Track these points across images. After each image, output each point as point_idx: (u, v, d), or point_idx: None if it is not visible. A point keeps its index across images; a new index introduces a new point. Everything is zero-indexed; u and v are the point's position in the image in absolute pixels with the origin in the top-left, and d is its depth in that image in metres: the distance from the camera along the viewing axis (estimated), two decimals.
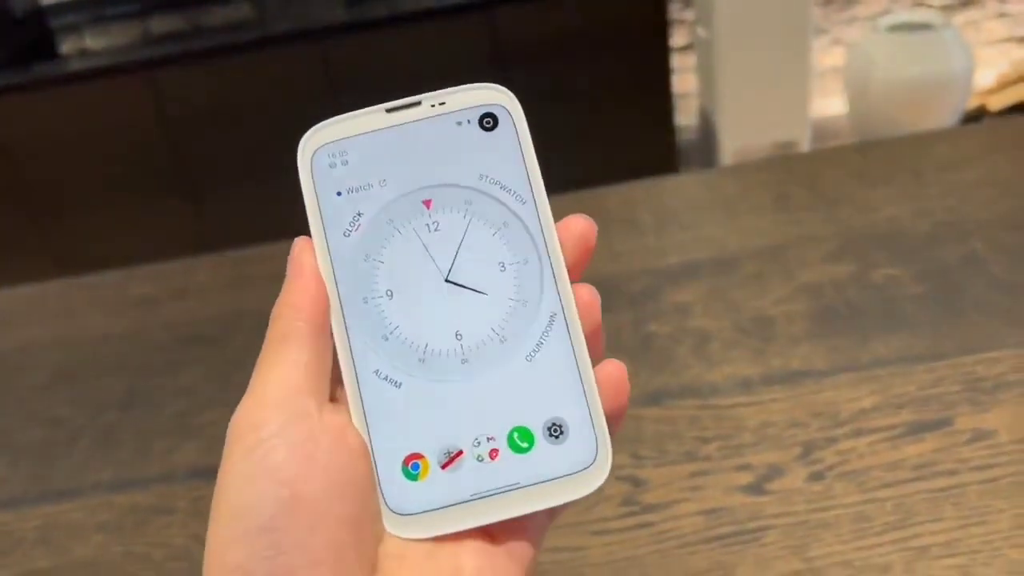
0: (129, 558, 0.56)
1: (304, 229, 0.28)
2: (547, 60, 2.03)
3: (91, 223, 2.11)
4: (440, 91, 0.28)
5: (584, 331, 0.26)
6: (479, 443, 0.25)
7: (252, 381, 0.26)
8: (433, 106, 0.28)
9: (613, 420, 0.26)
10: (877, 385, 0.58)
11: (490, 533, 0.25)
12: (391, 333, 0.26)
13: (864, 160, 0.84)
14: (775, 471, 0.53)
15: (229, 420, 0.25)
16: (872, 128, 2.21)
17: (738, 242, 0.75)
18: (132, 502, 0.59)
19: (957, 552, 0.47)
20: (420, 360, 0.26)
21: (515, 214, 0.27)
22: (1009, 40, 2.47)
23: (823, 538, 0.49)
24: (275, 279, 0.26)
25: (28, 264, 2.12)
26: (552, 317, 0.26)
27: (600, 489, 0.26)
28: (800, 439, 0.55)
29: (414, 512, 0.25)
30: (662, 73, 2.06)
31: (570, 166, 2.11)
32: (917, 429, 0.54)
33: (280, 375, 0.25)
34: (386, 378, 0.26)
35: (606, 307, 0.28)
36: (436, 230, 0.27)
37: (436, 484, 0.25)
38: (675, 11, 2.40)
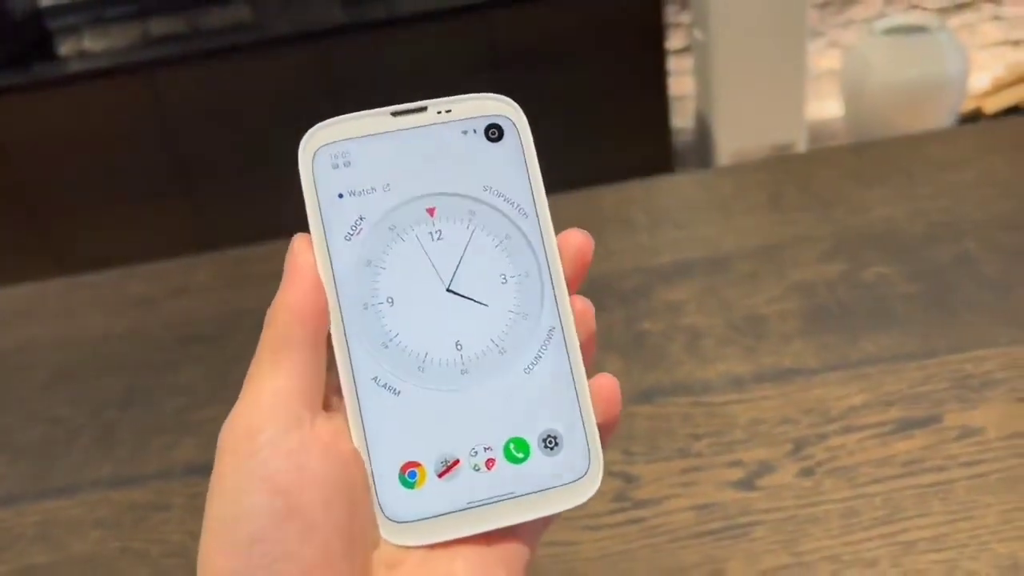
0: (126, 554, 0.56)
1: (303, 229, 0.27)
2: (544, 62, 2.04)
3: (90, 224, 2.12)
4: (446, 98, 0.27)
5: (579, 340, 0.27)
6: (476, 453, 0.26)
7: (246, 386, 0.25)
8: (439, 112, 0.27)
9: (605, 431, 0.27)
10: (867, 383, 0.58)
11: (485, 538, 0.25)
12: (391, 341, 0.26)
13: (858, 160, 0.85)
14: (766, 467, 0.54)
15: (226, 417, 0.25)
16: (868, 130, 2.21)
17: (731, 241, 0.76)
18: (130, 499, 0.60)
19: (944, 547, 0.47)
20: (419, 368, 0.26)
21: (518, 227, 0.27)
22: (1004, 43, 2.48)
23: (812, 533, 0.49)
24: (273, 278, 0.26)
25: (27, 264, 2.12)
26: (551, 331, 0.27)
27: (588, 502, 0.26)
28: (791, 436, 0.55)
29: (410, 520, 0.25)
30: (658, 76, 2.07)
31: (567, 168, 2.12)
32: (906, 426, 0.55)
33: (275, 383, 0.25)
34: (385, 385, 0.26)
35: (599, 305, 0.29)
36: (439, 239, 0.27)
37: (433, 492, 0.25)
38: (672, 14, 2.41)
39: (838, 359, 0.61)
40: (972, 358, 0.59)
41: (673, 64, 2.43)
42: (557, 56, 2.03)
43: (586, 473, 0.26)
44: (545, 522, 0.27)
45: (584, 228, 0.29)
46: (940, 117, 2.16)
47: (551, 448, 0.26)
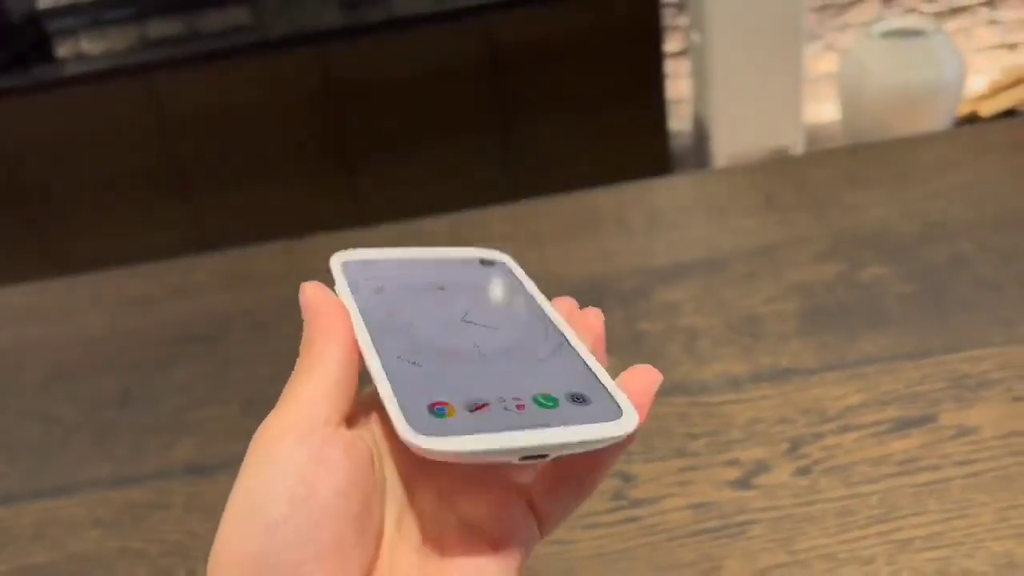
0: (124, 553, 0.56)
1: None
2: (542, 65, 2.04)
3: (89, 226, 2.12)
4: (449, 248, 0.34)
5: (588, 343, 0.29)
6: (504, 400, 0.25)
7: (281, 398, 0.27)
8: (441, 251, 0.34)
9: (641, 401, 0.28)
10: (864, 382, 0.59)
11: (481, 543, 0.26)
12: (414, 339, 0.28)
13: (853, 162, 0.85)
14: (762, 466, 0.54)
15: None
16: (865, 133, 2.22)
17: (728, 242, 0.76)
18: (128, 498, 0.60)
19: (940, 545, 0.47)
20: (439, 353, 0.27)
21: (521, 290, 0.32)
22: (1000, 47, 2.49)
23: (808, 531, 0.49)
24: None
25: (26, 266, 2.12)
26: (559, 342, 0.29)
27: (630, 439, 0.26)
28: (787, 435, 0.56)
29: (443, 434, 0.24)
30: (656, 79, 2.07)
31: (564, 171, 2.12)
32: (902, 425, 0.55)
33: (306, 394, 0.26)
34: (408, 360, 0.27)
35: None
36: (451, 294, 0.31)
37: (464, 421, 0.24)
38: (669, 17, 2.41)
39: (835, 359, 0.61)
40: (968, 358, 0.59)
41: (670, 67, 2.44)
42: (555, 59, 2.04)
43: (620, 415, 0.26)
44: (544, 527, 0.27)
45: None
46: (936, 120, 2.17)
47: (578, 403, 0.26)
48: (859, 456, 0.53)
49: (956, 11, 2.44)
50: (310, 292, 0.28)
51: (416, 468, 0.28)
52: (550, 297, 0.32)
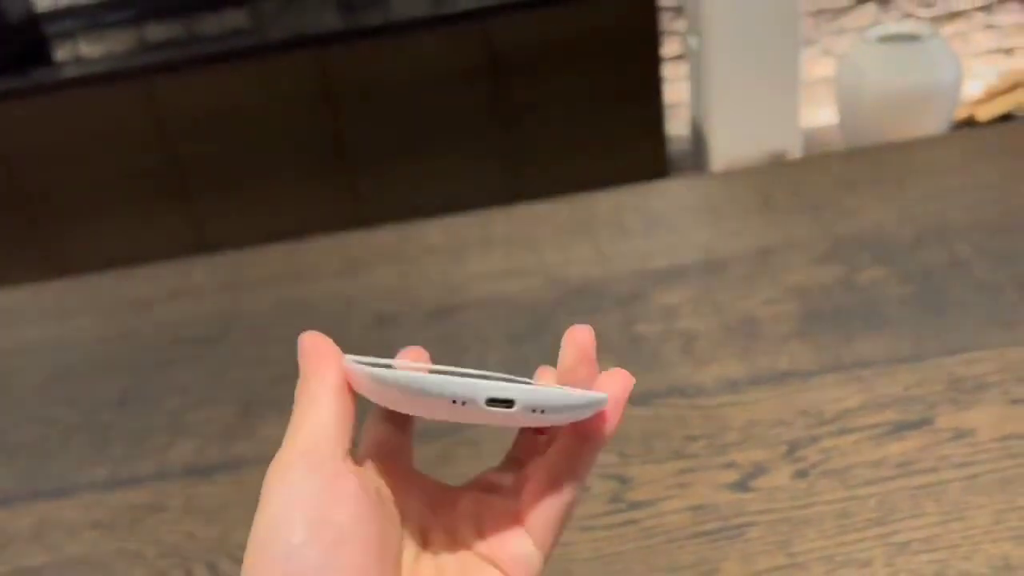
0: (122, 555, 0.56)
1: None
2: (540, 69, 2.05)
3: (87, 228, 2.12)
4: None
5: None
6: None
7: (286, 436, 0.28)
8: None
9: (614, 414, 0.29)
10: (861, 385, 0.59)
11: (493, 571, 0.27)
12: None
13: (849, 166, 0.86)
14: (760, 469, 0.54)
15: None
16: (862, 137, 2.23)
17: (726, 245, 0.76)
18: (125, 500, 0.60)
19: (937, 547, 0.47)
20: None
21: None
22: (996, 51, 2.49)
23: (806, 534, 0.49)
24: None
25: (24, 268, 2.12)
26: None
27: (600, 404, 0.27)
28: (785, 438, 0.56)
29: (402, 373, 0.26)
30: (653, 83, 2.08)
31: (561, 175, 2.13)
32: (900, 428, 0.55)
33: (309, 429, 0.27)
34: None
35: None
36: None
37: (434, 373, 0.26)
38: (666, 21, 2.42)
39: (832, 361, 0.61)
40: (964, 360, 0.59)
41: (668, 71, 2.44)
42: (553, 63, 2.04)
43: (598, 400, 0.27)
44: (560, 524, 0.29)
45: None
46: (933, 124, 2.18)
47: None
48: (857, 458, 0.53)
49: (953, 16, 2.45)
50: (307, 339, 0.29)
51: (426, 508, 0.30)
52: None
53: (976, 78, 2.46)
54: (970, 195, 0.77)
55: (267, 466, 0.27)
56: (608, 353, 0.65)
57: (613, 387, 0.28)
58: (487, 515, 0.29)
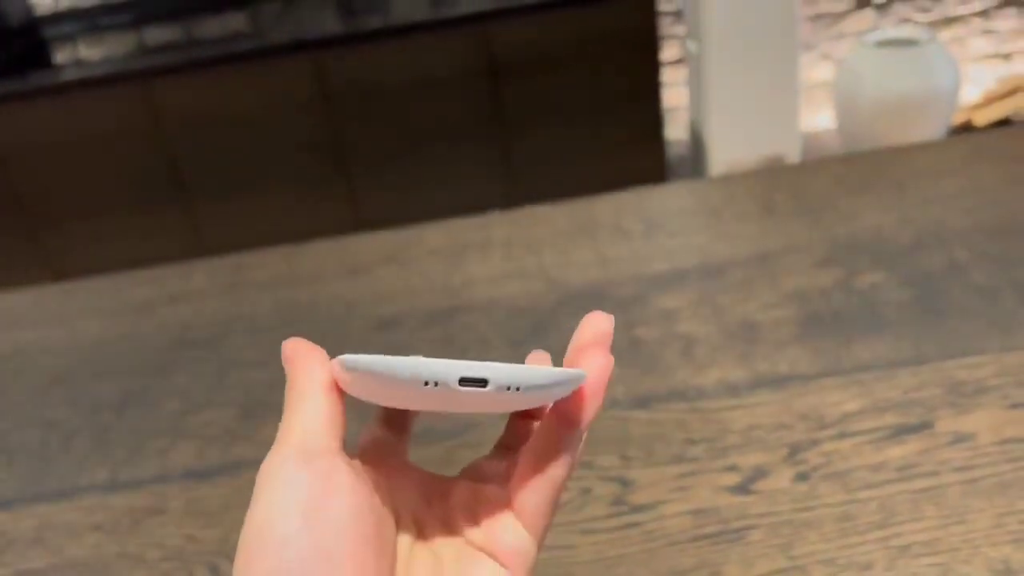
0: (123, 558, 0.56)
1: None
2: (540, 73, 2.05)
3: (86, 231, 2.11)
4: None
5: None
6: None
7: (278, 434, 0.28)
8: None
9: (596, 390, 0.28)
10: (861, 389, 0.59)
11: (490, 562, 0.27)
12: None
13: (848, 170, 0.86)
14: (761, 472, 0.54)
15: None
16: (860, 142, 2.23)
17: (725, 249, 0.76)
18: (126, 502, 0.60)
19: (938, 550, 0.48)
20: None
21: None
22: (995, 56, 2.50)
23: (807, 537, 0.50)
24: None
25: (23, 271, 2.12)
26: None
27: (579, 380, 0.27)
28: (786, 441, 0.56)
29: (377, 359, 0.25)
30: (653, 87, 2.08)
31: (561, 178, 2.13)
32: (900, 431, 0.55)
33: (301, 425, 0.27)
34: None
35: (595, 311, 0.29)
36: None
37: (407, 357, 0.25)
38: (666, 26, 2.42)
39: (832, 365, 0.61)
40: (964, 365, 0.59)
41: (667, 75, 2.45)
42: (553, 67, 2.05)
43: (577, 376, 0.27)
44: (551, 507, 0.28)
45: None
46: (931, 129, 2.18)
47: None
48: (857, 462, 0.54)
49: (951, 21, 2.46)
50: (290, 345, 0.30)
51: (420, 500, 0.30)
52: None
53: (974, 83, 2.46)
54: (969, 199, 0.77)
55: None
56: None
57: (592, 365, 0.27)
58: (480, 504, 0.29)
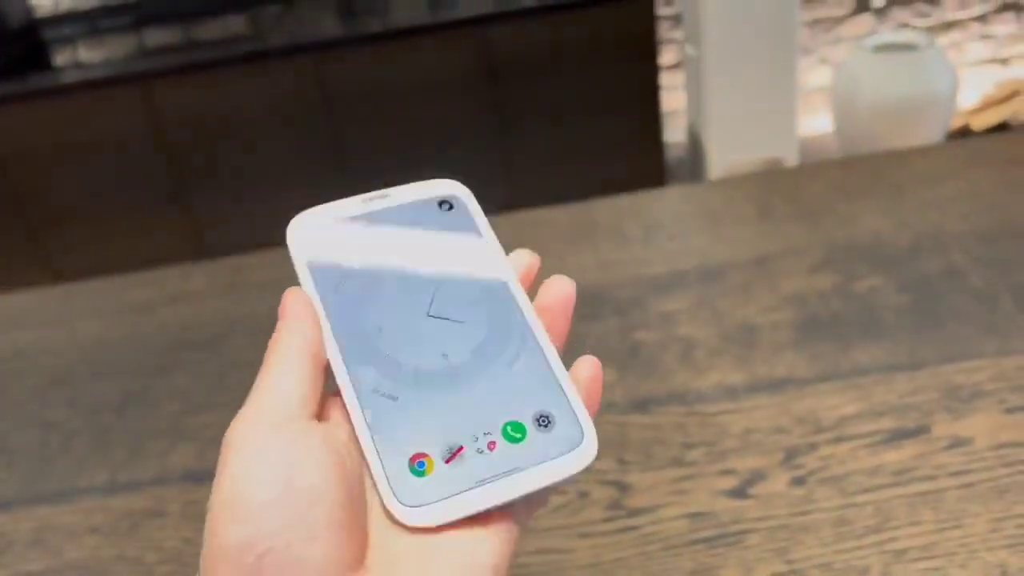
0: (121, 561, 0.56)
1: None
2: (539, 76, 2.05)
3: (85, 233, 2.11)
4: (405, 185, 0.34)
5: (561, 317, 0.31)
6: (477, 439, 0.27)
7: (248, 399, 0.27)
8: (399, 196, 0.33)
9: (591, 405, 0.29)
10: (858, 393, 0.59)
11: (477, 517, 0.27)
12: (384, 359, 0.29)
13: (846, 174, 0.86)
14: (758, 476, 0.54)
15: (223, 423, 0.26)
16: (858, 146, 2.23)
17: (723, 253, 0.77)
18: (125, 505, 0.60)
19: (934, 555, 0.48)
20: (413, 379, 0.29)
21: (478, 262, 0.32)
22: (992, 61, 2.51)
23: (804, 541, 0.50)
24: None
25: (22, 273, 2.12)
26: (523, 334, 0.30)
27: (590, 469, 0.28)
28: (783, 445, 0.56)
29: (425, 503, 0.26)
30: (651, 90, 2.08)
31: (560, 182, 2.13)
32: (897, 436, 0.55)
33: (273, 392, 0.27)
34: (384, 394, 0.28)
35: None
36: (415, 278, 0.31)
37: (442, 477, 0.27)
38: (665, 30, 2.43)
39: (829, 369, 0.61)
40: (961, 369, 0.59)
41: (665, 79, 2.45)
42: (552, 70, 2.05)
43: (582, 441, 0.28)
44: (540, 501, 0.29)
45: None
46: (929, 134, 2.18)
47: (545, 426, 0.28)
48: (854, 466, 0.54)
49: (948, 26, 2.46)
50: (290, 296, 0.30)
51: None
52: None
53: (972, 87, 2.47)
54: (966, 204, 0.78)
55: None
56: (607, 360, 0.65)
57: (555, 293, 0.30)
58: None
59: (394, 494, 0.26)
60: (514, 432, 0.28)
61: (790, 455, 0.55)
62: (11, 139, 2.01)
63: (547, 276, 0.33)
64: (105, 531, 0.58)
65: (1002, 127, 2.25)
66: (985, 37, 2.47)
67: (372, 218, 0.32)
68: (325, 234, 0.31)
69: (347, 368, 0.29)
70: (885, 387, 0.59)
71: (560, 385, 0.29)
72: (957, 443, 0.54)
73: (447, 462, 0.27)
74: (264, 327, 0.30)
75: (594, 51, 2.04)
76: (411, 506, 0.26)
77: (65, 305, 0.87)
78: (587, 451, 0.28)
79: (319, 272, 0.31)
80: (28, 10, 2.28)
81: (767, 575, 0.48)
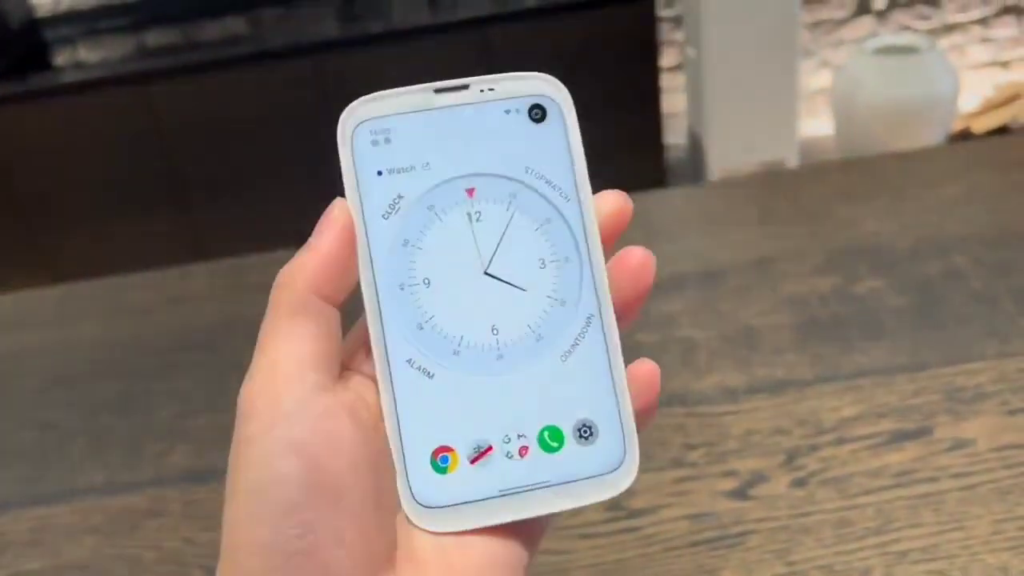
0: (120, 561, 0.56)
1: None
2: None
3: (84, 234, 2.11)
4: (490, 76, 0.27)
5: (631, 294, 0.26)
6: (509, 440, 0.25)
7: (262, 350, 0.25)
8: (482, 91, 0.27)
9: (643, 418, 0.26)
10: (859, 394, 0.59)
11: (491, 531, 0.25)
12: (426, 323, 0.25)
13: (847, 177, 0.86)
14: (759, 477, 0.54)
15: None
16: (858, 149, 2.23)
17: (724, 255, 0.77)
18: (124, 505, 0.60)
19: (936, 557, 0.48)
20: (455, 352, 0.25)
21: (558, 210, 0.26)
22: (993, 64, 2.51)
23: (805, 543, 0.50)
24: (267, 287, 0.26)
25: (22, 275, 2.12)
26: (589, 319, 0.26)
27: (623, 495, 0.25)
28: (784, 446, 0.56)
29: (441, 505, 0.24)
30: (651, 92, 2.08)
31: None
32: (898, 437, 0.55)
33: (295, 348, 0.24)
34: (419, 368, 0.25)
35: None
36: (478, 220, 0.25)
37: (464, 478, 0.24)
38: (665, 31, 2.43)
39: (830, 371, 0.61)
40: (962, 371, 0.59)
41: (666, 81, 2.45)
42: (552, 71, 2.04)
43: (621, 465, 0.25)
44: (546, 524, 0.27)
45: None
46: (930, 137, 2.18)
47: (586, 438, 0.25)
48: (855, 468, 0.54)
49: (949, 28, 2.46)
50: (332, 211, 0.26)
51: None
52: None
53: (973, 90, 2.47)
54: (967, 207, 0.78)
55: None
56: None
57: (643, 376, 0.26)
58: None
59: (411, 491, 0.24)
60: (551, 439, 0.25)
61: (791, 456, 0.55)
62: (11, 139, 2.01)
63: None
64: (104, 531, 0.58)
65: (1003, 130, 2.25)
66: (986, 40, 2.48)
67: (442, 121, 0.26)
68: (383, 135, 0.26)
69: (383, 327, 0.25)
70: (886, 389, 0.59)
71: (614, 391, 0.25)
72: (959, 445, 0.54)
73: (472, 462, 0.24)
74: None
75: (594, 52, 2.04)
76: (427, 507, 0.24)
77: (64, 306, 0.87)
78: (624, 476, 0.25)
79: (369, 187, 0.26)
80: (28, 10, 2.28)
81: None
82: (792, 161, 2.21)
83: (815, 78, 2.50)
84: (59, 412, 0.71)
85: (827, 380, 0.61)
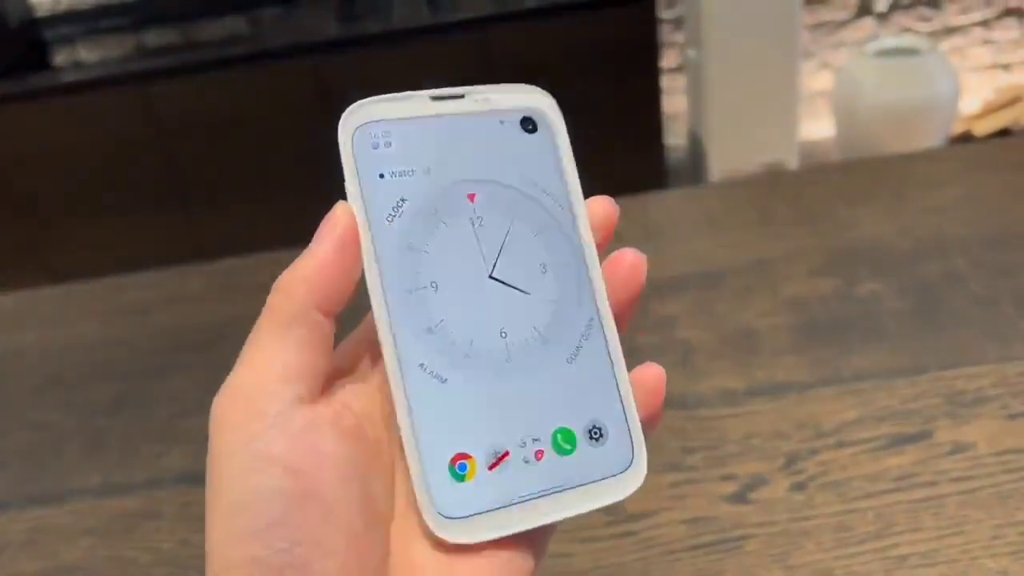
0: (115, 563, 0.56)
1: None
2: (538, 79, 2.04)
3: (83, 234, 2.11)
4: (484, 87, 0.28)
5: (624, 296, 0.27)
6: (524, 444, 0.24)
7: (246, 356, 0.24)
8: (476, 101, 0.28)
9: (649, 423, 0.27)
10: (859, 398, 0.59)
11: (500, 544, 0.24)
12: (436, 326, 0.25)
13: (847, 178, 0.86)
14: (758, 481, 0.54)
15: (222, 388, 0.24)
16: (859, 151, 2.23)
17: (724, 256, 0.76)
18: (120, 507, 0.60)
19: (936, 561, 0.47)
20: (465, 355, 0.25)
21: (555, 217, 0.27)
22: (994, 67, 2.50)
23: (804, 547, 0.49)
24: (265, 289, 0.25)
25: (20, 275, 2.11)
26: (589, 322, 0.26)
27: (631, 497, 0.25)
28: (783, 450, 0.56)
29: (463, 516, 0.23)
30: (652, 94, 2.08)
31: None
32: (898, 441, 0.55)
33: (281, 358, 0.24)
34: (432, 373, 0.24)
35: None
36: (480, 225, 0.26)
37: (483, 486, 0.24)
38: (666, 33, 2.43)
39: (830, 374, 0.61)
40: (963, 375, 0.59)
41: (666, 83, 2.45)
42: (552, 73, 2.05)
43: (631, 465, 0.25)
44: (553, 530, 0.26)
45: None
46: (930, 139, 2.18)
47: (596, 439, 0.25)
48: (855, 472, 0.53)
49: (951, 31, 2.46)
50: (335, 212, 0.25)
51: None
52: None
53: (973, 93, 2.47)
54: (968, 209, 0.77)
55: None
56: None
57: (649, 381, 0.26)
58: None
59: (432, 502, 0.23)
60: (564, 442, 0.25)
61: (790, 460, 0.55)
62: (9, 139, 2.01)
63: None
64: (99, 533, 0.58)
65: (1004, 132, 2.25)
66: (987, 42, 2.47)
67: (441, 128, 0.27)
68: (384, 138, 0.26)
69: (394, 332, 0.24)
70: (886, 392, 0.59)
71: (619, 392, 0.26)
72: (959, 449, 0.54)
73: (490, 468, 0.24)
74: None
75: (595, 54, 2.04)
76: (448, 518, 0.23)
77: (61, 306, 0.87)
78: (634, 477, 0.25)
79: (372, 189, 0.25)
80: (27, 10, 2.28)
81: None
82: (792, 163, 2.21)
83: (816, 80, 2.49)
84: (55, 413, 0.70)
85: (827, 383, 0.60)
